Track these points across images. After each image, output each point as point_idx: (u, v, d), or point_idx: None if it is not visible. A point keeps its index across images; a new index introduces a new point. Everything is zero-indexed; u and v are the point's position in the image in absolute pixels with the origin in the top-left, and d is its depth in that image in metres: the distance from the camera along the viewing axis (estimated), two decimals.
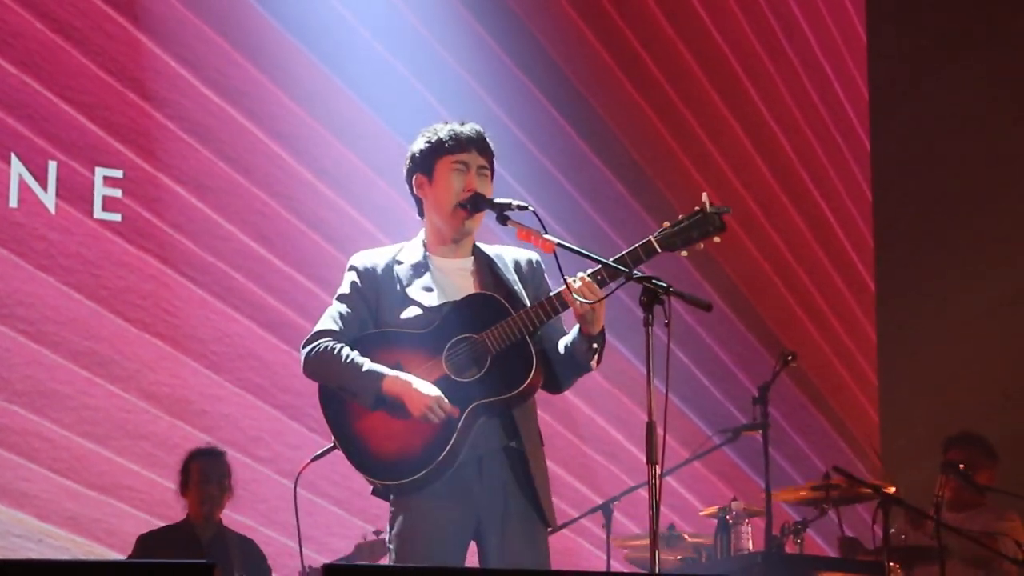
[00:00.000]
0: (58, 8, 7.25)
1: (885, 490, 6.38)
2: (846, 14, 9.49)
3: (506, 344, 4.30)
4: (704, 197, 4.29)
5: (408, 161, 4.57)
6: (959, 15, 9.16)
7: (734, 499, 6.64)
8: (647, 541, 4.06)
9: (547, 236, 4.28)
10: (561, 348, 4.42)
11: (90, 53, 7.30)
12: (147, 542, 6.57)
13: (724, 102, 8.98)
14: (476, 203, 4.44)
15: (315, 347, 4.41)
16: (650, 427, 4.03)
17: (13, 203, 7.06)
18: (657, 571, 4.09)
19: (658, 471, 3.99)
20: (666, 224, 4.30)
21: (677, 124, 8.83)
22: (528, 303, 4.40)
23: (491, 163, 4.53)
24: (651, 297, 4.08)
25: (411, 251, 4.53)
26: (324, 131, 7.78)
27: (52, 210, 7.13)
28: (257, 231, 7.55)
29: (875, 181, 9.44)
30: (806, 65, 9.28)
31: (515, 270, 4.52)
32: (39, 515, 6.92)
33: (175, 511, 6.73)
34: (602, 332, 4.33)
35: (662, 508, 4.01)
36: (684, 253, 4.32)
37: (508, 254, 4.56)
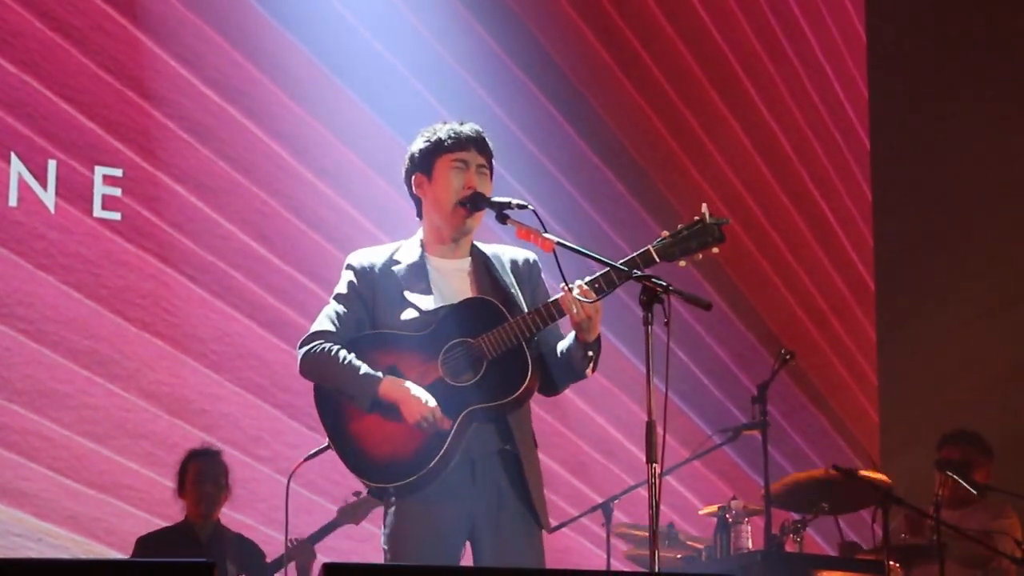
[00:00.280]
0: (57, 7, 7.25)
1: (883, 484, 6.38)
2: (846, 14, 9.49)
3: (502, 349, 4.30)
4: (703, 208, 4.29)
5: (407, 161, 4.57)
6: (959, 15, 9.16)
7: (734, 498, 6.64)
8: (645, 533, 4.06)
9: (546, 235, 4.28)
10: (557, 352, 4.42)
11: (90, 52, 7.30)
12: (147, 543, 6.57)
13: (724, 102, 8.98)
14: (476, 202, 4.44)
15: (312, 348, 4.42)
16: (650, 426, 4.03)
17: (12, 202, 7.06)
18: (657, 570, 4.10)
19: (658, 470, 4.00)
20: (665, 233, 4.30)
21: (677, 124, 8.83)
22: (524, 305, 4.40)
23: (490, 162, 4.53)
24: (651, 296, 4.08)
25: (409, 251, 4.53)
26: (324, 130, 7.78)
27: (52, 209, 7.13)
28: (257, 230, 7.55)
29: (875, 181, 9.44)
30: (806, 65, 9.28)
31: (512, 270, 4.52)
32: (39, 514, 6.92)
33: (175, 510, 6.73)
34: (598, 340, 4.34)
35: (662, 507, 4.01)
36: (682, 263, 4.32)
37: (506, 254, 4.56)
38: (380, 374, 4.33)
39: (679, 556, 6.70)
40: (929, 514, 6.42)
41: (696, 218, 4.28)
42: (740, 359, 8.70)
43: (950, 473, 6.68)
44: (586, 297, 4.23)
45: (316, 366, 4.40)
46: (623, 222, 8.43)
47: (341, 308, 4.47)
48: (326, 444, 4.46)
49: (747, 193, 8.95)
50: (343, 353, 4.37)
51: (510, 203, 4.36)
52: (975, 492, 6.83)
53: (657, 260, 4.28)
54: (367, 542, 7.28)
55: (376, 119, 7.86)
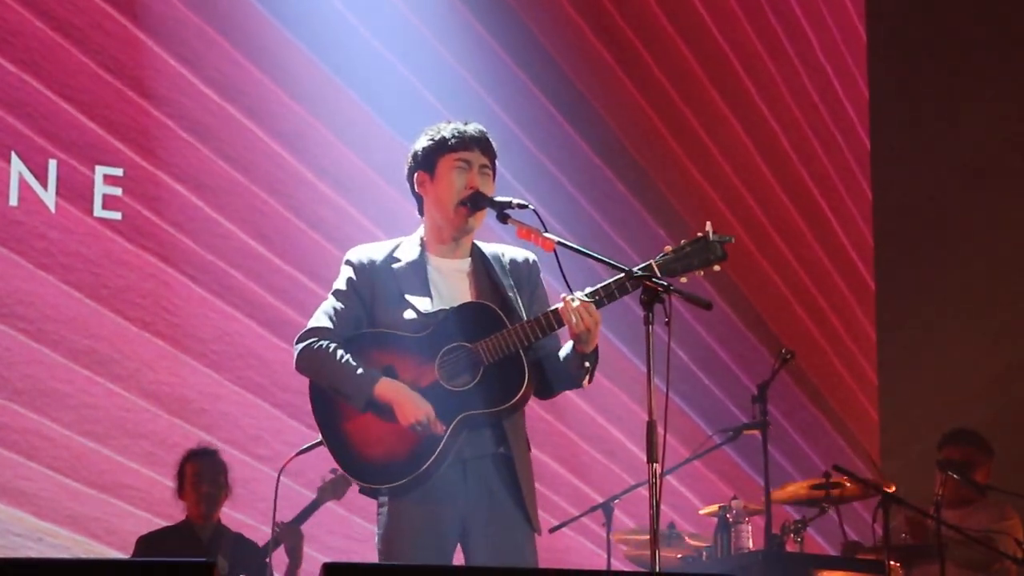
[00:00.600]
0: (57, 6, 7.25)
1: (885, 488, 6.38)
2: (846, 13, 9.49)
3: (499, 356, 4.31)
4: (708, 225, 4.29)
5: (410, 159, 4.57)
6: (959, 14, 9.16)
7: (734, 498, 6.64)
8: (646, 536, 4.06)
9: (547, 235, 4.29)
10: (554, 360, 4.43)
11: (90, 51, 7.29)
12: (147, 543, 6.57)
13: (725, 101, 8.98)
14: (476, 201, 4.44)
15: (309, 344, 4.42)
16: (650, 426, 4.03)
17: (13, 201, 7.06)
18: (657, 570, 4.09)
19: (658, 470, 3.99)
20: (668, 249, 4.30)
21: (677, 123, 8.83)
22: (523, 308, 4.41)
23: (493, 163, 4.53)
24: (651, 296, 4.09)
25: (409, 249, 4.52)
26: (324, 130, 7.78)
27: (52, 208, 7.13)
28: (257, 230, 7.55)
29: (875, 180, 9.44)
30: (806, 64, 9.28)
31: (512, 271, 4.52)
32: (39, 514, 6.91)
33: (175, 510, 6.73)
34: (595, 351, 4.34)
35: (662, 507, 4.01)
36: (684, 279, 4.32)
37: (506, 254, 4.56)
38: (377, 374, 4.33)
39: (679, 556, 6.70)
40: (930, 514, 6.41)
41: (699, 235, 4.28)
42: (740, 359, 8.70)
43: (951, 473, 6.67)
44: (586, 311, 4.23)
45: (312, 363, 4.40)
46: (623, 222, 8.43)
47: (339, 304, 4.47)
48: (319, 440, 4.47)
49: (747, 192, 8.95)
50: (340, 352, 4.36)
51: (511, 203, 4.37)
52: (976, 492, 6.83)
53: (658, 276, 4.27)
54: (367, 542, 7.26)
55: (376, 119, 7.86)
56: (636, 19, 8.75)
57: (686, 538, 6.75)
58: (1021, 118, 9.06)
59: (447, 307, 4.40)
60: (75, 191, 7.18)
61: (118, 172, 7.28)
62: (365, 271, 4.48)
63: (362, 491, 4.46)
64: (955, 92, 9.14)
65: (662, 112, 8.79)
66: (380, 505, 4.40)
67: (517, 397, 4.31)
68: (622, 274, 4.23)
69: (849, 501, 6.81)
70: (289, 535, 6.49)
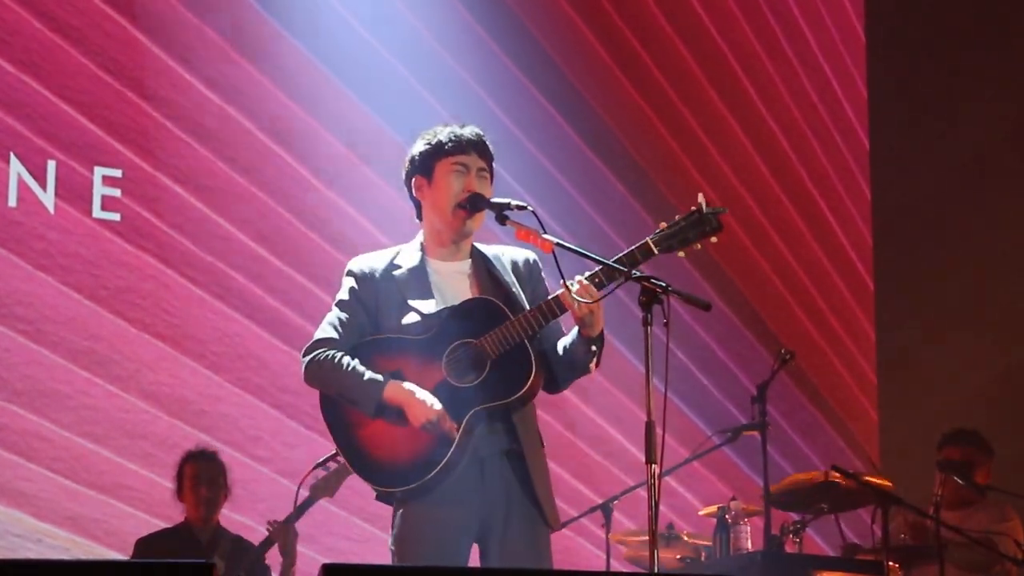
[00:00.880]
0: (56, 7, 7.25)
1: (883, 487, 6.38)
2: (845, 13, 9.49)
3: (505, 348, 4.31)
4: (700, 197, 4.29)
5: (407, 164, 4.57)
6: (958, 14, 9.16)
7: (733, 498, 6.63)
8: (645, 537, 4.06)
9: (546, 236, 4.29)
10: (560, 349, 4.42)
11: (89, 52, 7.29)
12: (146, 545, 6.57)
13: (723, 101, 8.98)
14: (475, 203, 4.44)
15: (315, 356, 4.42)
16: (649, 426, 4.03)
17: (12, 202, 7.06)
18: (656, 571, 4.10)
19: (657, 471, 4.00)
20: (663, 225, 4.31)
21: (676, 123, 8.83)
22: (526, 305, 4.40)
23: (491, 166, 4.54)
24: (650, 296, 4.09)
25: (409, 255, 4.52)
26: (323, 130, 7.78)
27: (51, 209, 7.13)
28: (256, 231, 7.55)
29: (874, 180, 9.44)
30: (805, 64, 9.28)
31: (513, 271, 4.52)
32: (38, 515, 6.91)
33: (174, 511, 6.73)
34: (601, 334, 4.34)
35: (661, 507, 4.01)
36: (681, 254, 4.32)
37: (506, 254, 4.56)
38: (384, 378, 4.33)
39: (678, 557, 6.70)
40: (929, 515, 6.41)
41: (693, 209, 4.29)
42: (739, 359, 8.70)
43: (951, 474, 6.67)
44: (587, 292, 4.23)
45: (320, 373, 4.40)
46: (622, 222, 8.42)
47: (343, 315, 4.47)
48: (334, 452, 4.46)
49: (746, 193, 8.95)
50: (347, 360, 4.37)
51: (509, 204, 4.36)
52: (976, 493, 6.82)
53: (655, 252, 4.29)
54: (367, 542, 7.28)
55: (375, 119, 7.86)
56: (635, 19, 8.75)
57: (685, 539, 6.74)
58: (1020, 118, 9.06)
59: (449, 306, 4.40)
60: (74, 192, 7.18)
61: (117, 173, 7.28)
62: (367, 280, 4.49)
63: (379, 497, 4.44)
64: (954, 92, 9.14)
65: (661, 112, 8.79)
66: (395, 509, 4.39)
67: (526, 387, 4.31)
68: (614, 265, 4.23)
69: (851, 508, 6.80)
70: (282, 533, 6.49)
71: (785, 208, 9.12)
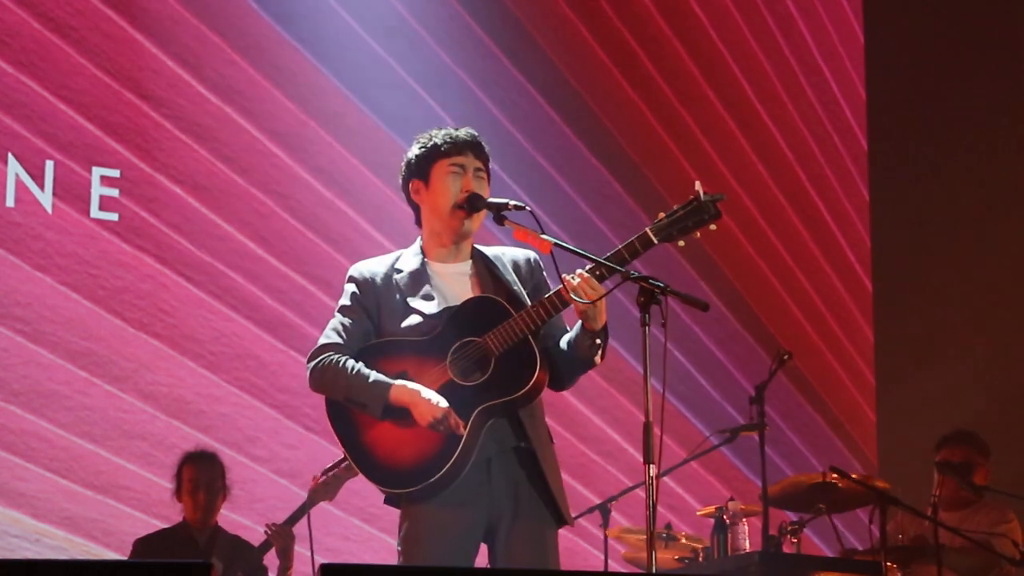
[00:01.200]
0: (55, 7, 7.25)
1: (881, 487, 6.38)
2: (843, 14, 9.49)
3: (509, 345, 4.31)
4: (697, 185, 4.30)
5: (404, 168, 4.58)
6: (957, 14, 9.16)
7: (731, 499, 6.64)
8: (643, 537, 4.06)
9: (544, 236, 4.29)
10: (564, 345, 4.42)
11: (87, 52, 7.29)
12: (144, 545, 6.56)
13: (721, 101, 8.98)
14: (473, 203, 4.44)
15: (320, 361, 4.43)
16: (647, 427, 4.04)
17: (10, 203, 7.05)
18: (654, 571, 4.10)
19: (655, 471, 4.00)
20: (661, 215, 4.32)
21: (674, 124, 8.83)
22: (528, 302, 4.40)
23: (487, 166, 4.54)
24: (648, 297, 4.09)
25: (409, 259, 4.53)
26: (321, 130, 7.78)
27: (49, 210, 7.13)
28: (254, 231, 7.55)
29: (872, 181, 9.44)
30: (803, 65, 9.28)
31: (514, 270, 4.52)
32: (36, 515, 6.91)
33: (172, 511, 6.72)
34: (605, 327, 4.34)
35: (659, 508, 4.02)
36: (681, 243, 4.33)
37: (507, 254, 4.57)
38: (390, 380, 4.33)
39: (676, 557, 6.70)
40: (927, 515, 6.41)
41: (691, 197, 4.29)
42: (737, 360, 8.70)
43: (951, 475, 6.66)
44: (588, 285, 4.23)
45: (325, 378, 4.41)
46: (620, 222, 8.42)
47: (347, 320, 4.48)
48: (343, 458, 4.46)
49: (744, 193, 8.95)
50: (351, 363, 4.38)
51: (507, 204, 4.37)
52: (976, 494, 6.82)
53: (655, 241, 4.30)
54: (366, 543, 7.28)
55: (374, 119, 7.86)
56: (633, 20, 8.75)
57: (683, 539, 6.75)
58: (1021, 118, 9.06)
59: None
60: (72, 192, 7.18)
61: (115, 173, 7.28)
62: (368, 285, 4.49)
63: (387, 500, 4.44)
64: (952, 93, 9.14)
65: (659, 113, 8.80)
66: (402, 509, 4.40)
67: (531, 383, 4.31)
68: (620, 246, 4.24)
69: (850, 509, 6.80)
70: (280, 536, 6.49)
71: (783, 209, 9.13)
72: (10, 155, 7.07)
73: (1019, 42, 9.14)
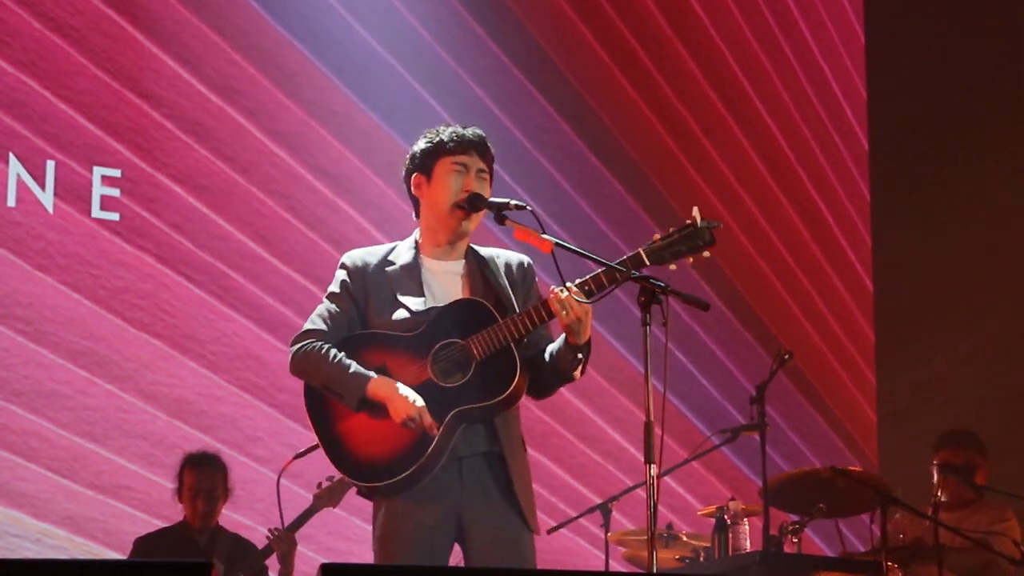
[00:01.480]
0: (55, 7, 7.25)
1: (882, 486, 6.37)
2: (844, 14, 9.49)
3: (491, 351, 4.31)
4: (695, 211, 4.29)
5: (408, 161, 4.58)
6: (957, 13, 9.16)
7: (732, 499, 6.64)
8: (643, 537, 4.06)
9: (545, 235, 4.29)
10: (547, 355, 4.42)
11: (88, 52, 7.29)
12: (144, 544, 6.56)
13: (722, 101, 8.98)
14: (473, 203, 4.45)
15: (303, 346, 4.44)
16: (648, 427, 4.04)
17: (11, 202, 7.06)
18: (655, 571, 4.10)
19: (656, 471, 4.00)
20: (656, 237, 4.30)
21: (675, 123, 8.83)
22: (517, 309, 4.41)
23: (491, 168, 4.54)
24: (649, 297, 4.09)
25: (403, 252, 4.54)
26: (322, 130, 7.78)
27: (50, 209, 7.13)
28: (255, 230, 7.55)
29: (873, 181, 9.44)
30: (804, 64, 9.29)
31: (506, 273, 4.52)
32: (37, 515, 6.91)
33: (173, 511, 6.72)
34: (588, 343, 4.34)
35: (660, 508, 4.02)
36: (673, 266, 4.32)
37: (501, 257, 4.57)
38: (369, 373, 4.34)
39: (677, 557, 6.70)
40: (928, 515, 6.41)
41: (687, 222, 4.28)
42: (738, 360, 8.70)
43: (952, 476, 6.66)
44: (575, 300, 4.23)
45: (306, 364, 4.42)
46: (621, 222, 8.43)
47: (333, 307, 4.49)
48: (315, 443, 4.48)
49: (745, 193, 8.95)
50: (333, 352, 4.39)
51: (508, 204, 4.37)
52: (976, 495, 6.82)
53: (647, 263, 4.28)
54: (365, 543, 7.26)
55: (374, 118, 7.87)
56: (634, 19, 8.75)
57: (684, 539, 6.75)
58: (1021, 116, 9.06)
59: (439, 306, 4.41)
60: (73, 192, 7.18)
61: (116, 173, 7.28)
62: (359, 274, 4.50)
63: (359, 492, 4.47)
64: (954, 92, 9.14)
65: (660, 112, 8.80)
66: (375, 505, 4.41)
67: (509, 391, 4.31)
68: (613, 267, 4.23)
69: (852, 512, 6.79)
70: (282, 542, 6.50)
71: (784, 209, 9.13)
72: (11, 155, 7.07)
73: (1019, 41, 9.14)
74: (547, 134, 8.39)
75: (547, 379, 4.46)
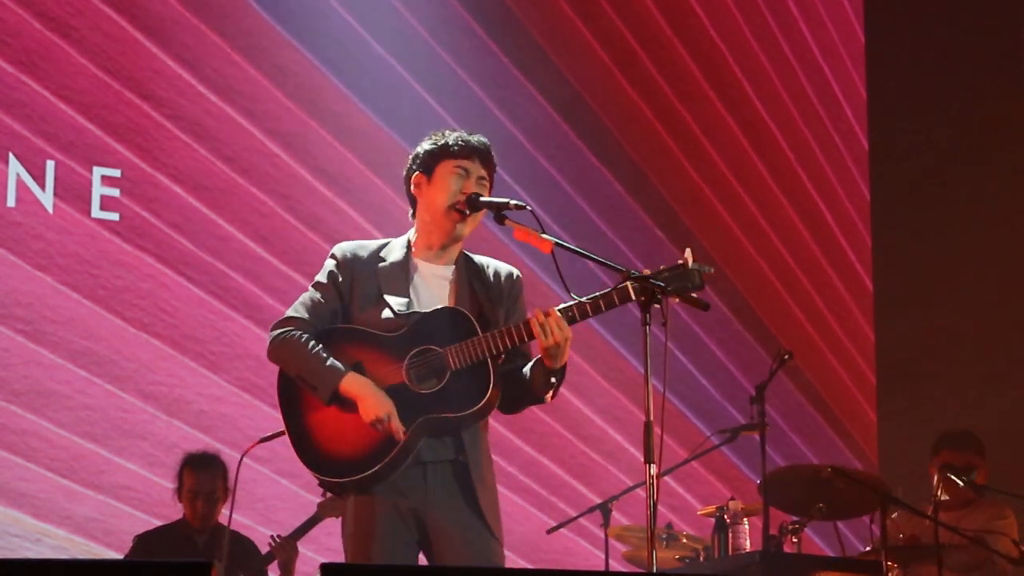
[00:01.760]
0: (56, 7, 7.25)
1: (881, 486, 6.38)
2: (844, 14, 9.49)
3: (467, 363, 4.32)
4: (687, 253, 4.28)
5: (410, 160, 4.60)
6: (957, 14, 9.16)
7: (731, 499, 6.64)
8: (642, 534, 4.06)
9: (545, 235, 4.29)
10: (521, 373, 4.42)
11: (88, 52, 7.29)
12: (144, 541, 6.57)
13: (722, 102, 8.98)
14: (473, 203, 4.45)
15: (282, 333, 4.48)
16: (648, 427, 4.04)
17: (11, 202, 7.06)
18: (655, 571, 4.10)
19: (655, 471, 4.00)
20: (645, 272, 4.27)
21: (675, 124, 8.83)
22: (499, 322, 4.41)
23: (492, 176, 4.55)
24: (649, 297, 4.09)
25: (395, 249, 4.55)
26: (322, 130, 7.78)
27: (50, 209, 7.13)
28: (255, 230, 7.55)
29: (873, 181, 9.44)
30: (804, 64, 9.29)
31: (494, 284, 4.52)
32: (37, 515, 6.91)
33: (173, 511, 6.73)
34: (563, 368, 4.34)
35: (660, 507, 4.02)
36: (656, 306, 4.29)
37: (491, 267, 4.58)
38: (344, 368, 4.35)
39: (677, 557, 6.70)
40: (927, 515, 6.41)
41: (679, 262, 4.26)
42: (738, 359, 8.70)
43: (954, 477, 6.66)
44: (557, 325, 4.23)
45: (283, 352, 4.46)
46: (621, 223, 8.43)
47: (318, 296, 4.52)
48: (282, 431, 4.49)
49: (745, 193, 8.95)
50: (312, 343, 4.41)
51: (508, 203, 4.37)
52: (976, 494, 6.82)
53: (633, 299, 4.23)
54: None
55: (374, 119, 7.87)
56: (633, 20, 8.75)
57: (684, 539, 6.75)
58: (1021, 114, 9.06)
59: (423, 310, 4.41)
60: (73, 192, 7.18)
61: (116, 173, 7.28)
62: (347, 266, 4.53)
63: (321, 484, 4.49)
64: (954, 92, 9.14)
65: (660, 113, 8.80)
66: (344, 504, 4.42)
67: (480, 405, 4.32)
68: (600, 292, 4.22)
69: (852, 513, 6.79)
70: (284, 549, 6.51)
71: (784, 209, 9.13)
72: (11, 155, 7.07)
73: (1019, 41, 9.14)
74: (547, 134, 8.39)
75: (518, 396, 4.46)
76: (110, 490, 7.05)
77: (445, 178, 4.49)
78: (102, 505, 7.02)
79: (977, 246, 9.01)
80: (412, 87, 7.99)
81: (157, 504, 6.95)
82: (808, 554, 6.85)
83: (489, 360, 4.32)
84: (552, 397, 4.43)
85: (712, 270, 4.31)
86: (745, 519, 6.52)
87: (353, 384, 4.34)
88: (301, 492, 6.77)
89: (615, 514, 6.81)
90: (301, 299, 4.54)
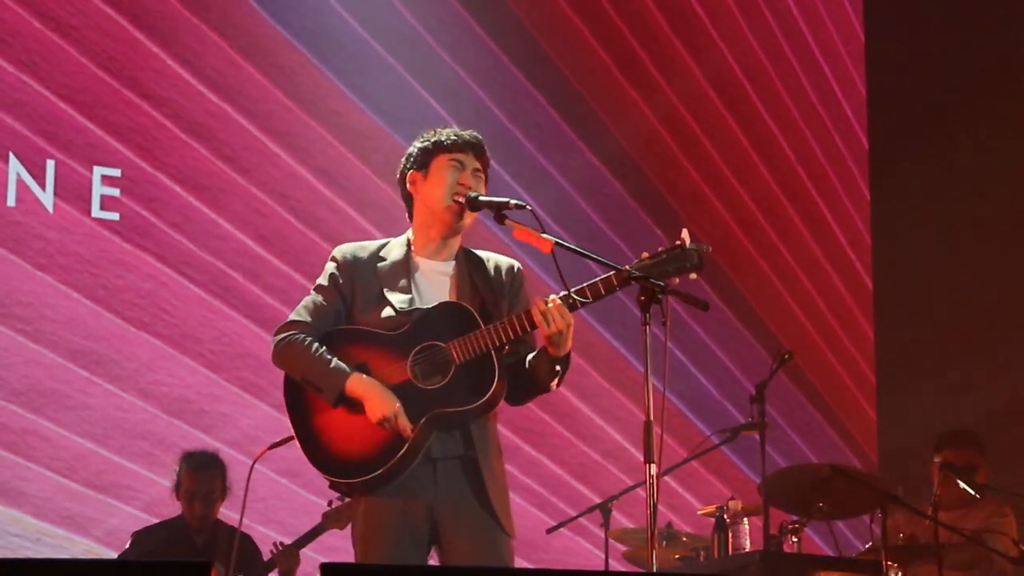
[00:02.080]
0: (56, 6, 7.25)
1: (882, 485, 6.38)
2: (844, 13, 9.49)
3: (471, 356, 4.32)
4: (684, 233, 4.29)
5: (404, 159, 4.60)
6: (957, 14, 9.16)
7: (731, 498, 6.64)
8: (642, 535, 4.06)
9: (545, 235, 4.29)
10: (527, 363, 4.43)
11: (88, 52, 7.30)
12: (142, 538, 6.57)
13: (722, 101, 8.98)
14: (473, 203, 4.45)
15: (286, 337, 4.48)
16: (647, 426, 4.04)
17: (11, 202, 7.06)
18: (655, 570, 4.10)
19: (655, 470, 4.00)
20: (644, 255, 4.28)
21: (675, 123, 8.83)
22: (503, 315, 4.41)
23: (486, 169, 4.55)
24: (649, 296, 4.09)
25: (395, 248, 4.56)
26: (322, 130, 7.78)
27: (50, 209, 7.13)
28: (255, 230, 7.55)
29: (873, 180, 9.44)
30: (804, 64, 9.29)
31: (495, 278, 4.52)
32: (37, 514, 6.92)
33: (173, 510, 6.72)
34: (568, 355, 4.34)
35: (660, 507, 4.02)
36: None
37: (492, 260, 4.58)
38: (349, 369, 4.36)
39: (677, 556, 6.70)
40: (927, 514, 6.41)
41: (677, 243, 4.27)
42: (738, 359, 8.70)
43: (954, 477, 6.66)
44: (559, 312, 4.23)
45: (287, 356, 4.46)
46: (621, 222, 8.43)
47: (320, 299, 4.52)
48: (290, 436, 4.49)
49: (745, 192, 8.96)
50: (315, 345, 4.41)
51: (508, 203, 4.37)
52: (977, 495, 6.82)
53: (631, 282, 4.24)
54: None
55: (374, 119, 7.87)
56: (634, 19, 8.75)
57: (684, 538, 6.75)
58: (1021, 114, 9.06)
59: (424, 307, 4.41)
60: (73, 192, 7.18)
61: (116, 173, 7.28)
62: (348, 268, 4.53)
63: (331, 486, 4.49)
64: (954, 91, 9.14)
65: (659, 112, 8.80)
66: (355, 504, 4.42)
67: (486, 397, 4.31)
68: (599, 277, 4.23)
69: (851, 512, 6.79)
70: (285, 558, 6.51)
71: (784, 208, 9.13)
72: (11, 154, 7.08)
73: (1019, 41, 9.14)
74: (547, 134, 8.39)
75: (524, 387, 4.46)
76: (110, 489, 7.05)
77: (441, 172, 4.49)
78: (102, 504, 7.02)
79: (977, 244, 9.01)
80: (412, 87, 7.99)
81: (157, 503, 6.95)
82: (808, 554, 6.85)
83: (493, 352, 4.32)
84: (557, 385, 4.42)
85: (710, 248, 4.31)
86: (745, 519, 6.52)
87: (359, 384, 4.34)
88: (301, 492, 6.77)
89: (615, 514, 6.81)
90: (303, 303, 4.54)
